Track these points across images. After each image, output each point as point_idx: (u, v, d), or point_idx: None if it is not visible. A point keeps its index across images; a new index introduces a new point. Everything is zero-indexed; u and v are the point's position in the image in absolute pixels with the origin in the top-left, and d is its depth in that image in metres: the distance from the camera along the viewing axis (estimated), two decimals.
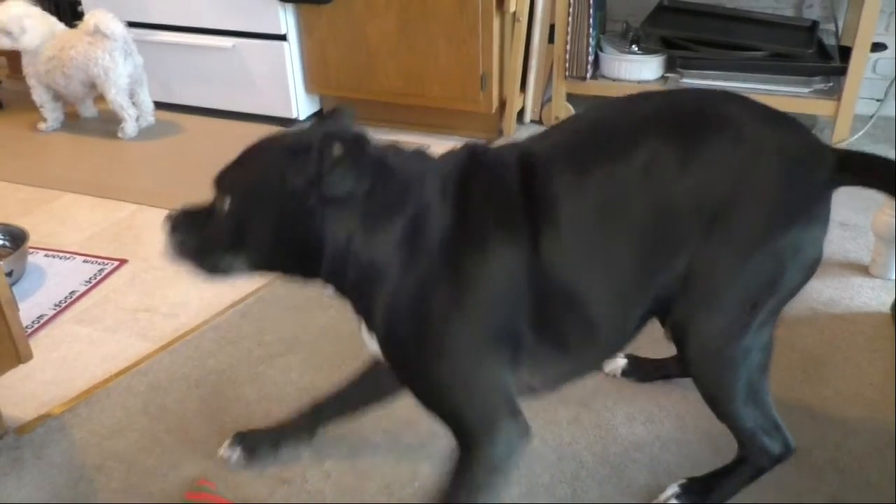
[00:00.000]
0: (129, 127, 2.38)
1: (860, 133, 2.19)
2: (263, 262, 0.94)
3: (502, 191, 0.92)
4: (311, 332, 1.46)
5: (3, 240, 1.73)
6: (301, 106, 2.43)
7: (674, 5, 2.37)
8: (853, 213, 1.80)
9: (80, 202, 2.03)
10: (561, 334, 0.93)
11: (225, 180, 0.93)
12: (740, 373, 0.95)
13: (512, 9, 2.22)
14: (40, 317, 1.56)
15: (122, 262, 1.75)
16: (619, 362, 1.32)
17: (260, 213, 0.90)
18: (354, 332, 1.26)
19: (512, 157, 0.94)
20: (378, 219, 0.89)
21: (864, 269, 1.60)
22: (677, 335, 0.95)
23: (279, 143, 0.92)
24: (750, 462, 1.03)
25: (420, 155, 0.96)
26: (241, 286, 1.62)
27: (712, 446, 1.15)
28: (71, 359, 1.43)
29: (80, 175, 2.17)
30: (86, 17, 2.30)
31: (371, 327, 0.95)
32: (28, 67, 2.39)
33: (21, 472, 1.17)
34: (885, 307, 1.47)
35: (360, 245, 0.89)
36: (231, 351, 1.41)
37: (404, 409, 1.15)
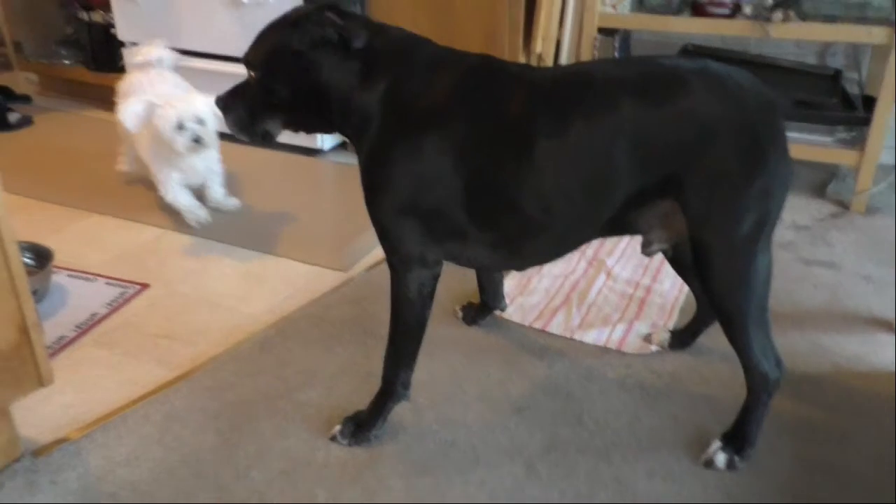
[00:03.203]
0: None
1: (883, 183, 2.18)
2: (293, 120, 1.21)
3: (488, 97, 1.10)
4: (331, 368, 1.46)
5: (29, 258, 1.75)
6: (326, 137, 2.46)
7: (698, 50, 2.39)
8: (876, 266, 1.78)
9: (105, 223, 2.05)
10: (498, 231, 1.14)
11: (250, 58, 1.17)
12: (753, 291, 1.11)
13: (538, 49, 2.25)
14: (61, 338, 1.57)
15: (145, 286, 1.76)
16: (664, 336, 1.51)
17: (280, 77, 1.14)
18: (373, 372, 1.28)
19: (513, 71, 1.12)
20: (370, 75, 1.12)
21: (889, 325, 1.59)
22: (700, 267, 1.12)
23: (284, 19, 1.15)
24: (755, 394, 1.19)
25: (424, 39, 1.16)
26: (262, 317, 1.63)
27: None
28: (90, 382, 1.43)
29: (106, 197, 2.19)
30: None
31: (360, 165, 1.17)
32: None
33: (36, 495, 1.17)
34: None
35: (357, 94, 1.12)
36: (249, 384, 1.41)
37: None
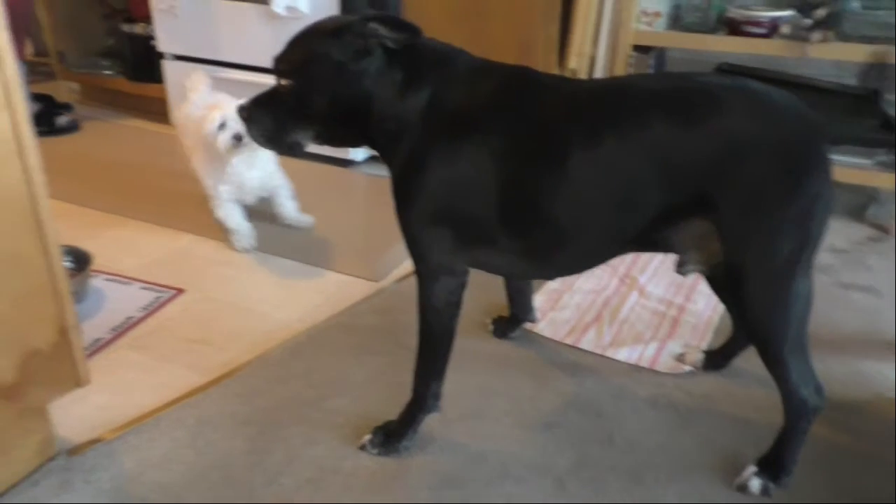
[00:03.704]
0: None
1: None
2: (325, 131, 1.17)
3: (525, 107, 1.10)
4: (360, 377, 1.46)
5: (69, 261, 1.78)
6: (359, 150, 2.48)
7: (733, 69, 2.37)
8: None
9: (142, 229, 2.09)
10: (528, 240, 1.13)
11: (283, 66, 1.14)
12: (791, 317, 1.08)
13: (572, 66, 2.25)
14: (97, 340, 1.59)
15: (179, 291, 1.78)
16: (697, 356, 1.49)
17: (317, 87, 1.12)
18: (403, 382, 1.28)
19: (549, 83, 1.13)
20: (412, 85, 1.11)
21: None
22: (735, 291, 1.10)
23: (322, 28, 1.13)
24: (793, 421, 1.16)
25: (460, 49, 1.17)
26: (293, 325, 1.64)
27: None
28: (124, 384, 1.45)
29: (144, 203, 2.23)
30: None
31: (391, 176, 1.17)
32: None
33: (70, 494, 1.18)
34: None
35: (399, 103, 1.11)
36: (280, 391, 1.42)
37: None
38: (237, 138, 1.84)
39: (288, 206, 2.06)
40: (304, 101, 1.13)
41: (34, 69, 3.11)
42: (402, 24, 1.09)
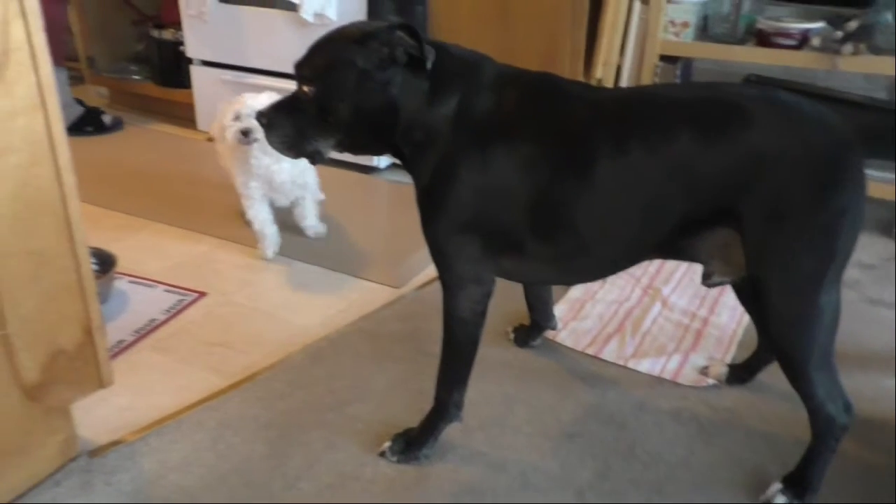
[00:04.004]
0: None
1: None
2: (347, 139, 1.14)
3: (553, 113, 1.09)
4: (382, 383, 1.46)
5: (94, 263, 1.80)
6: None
7: (761, 81, 2.35)
8: None
9: (166, 233, 2.10)
10: (554, 246, 1.12)
11: (306, 72, 1.12)
12: (816, 332, 1.06)
13: (598, 75, 2.24)
14: (120, 341, 1.60)
15: (202, 294, 1.79)
16: (721, 369, 1.47)
17: (340, 94, 1.09)
18: (424, 389, 1.28)
19: (575, 90, 1.12)
20: (439, 93, 1.10)
21: None
22: (758, 304, 1.09)
23: (346, 34, 1.11)
24: (820, 438, 1.14)
25: (484, 56, 1.16)
26: (314, 330, 1.64)
27: None
28: (146, 386, 1.46)
29: (168, 207, 2.25)
30: None
31: (417, 185, 1.16)
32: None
33: (91, 495, 1.19)
34: None
35: (427, 111, 1.10)
36: (301, 395, 1.42)
37: None
38: (244, 133, 1.80)
39: (308, 209, 2.03)
40: (325, 109, 1.11)
41: None
42: (424, 39, 1.08)
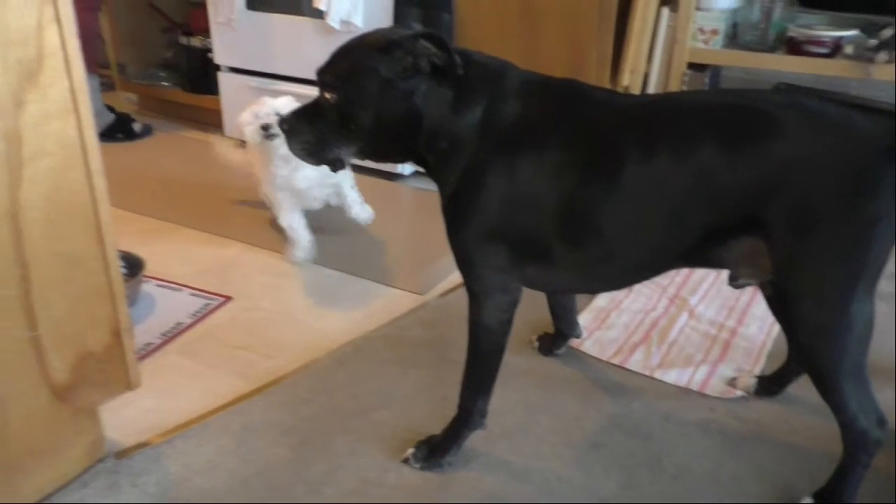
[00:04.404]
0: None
1: None
2: (369, 147, 1.14)
3: (580, 119, 1.08)
4: (405, 389, 1.46)
5: (123, 266, 1.82)
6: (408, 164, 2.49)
7: (792, 88, 2.32)
8: None
9: (193, 237, 2.12)
10: (581, 253, 1.11)
11: (328, 78, 1.11)
12: (846, 344, 1.03)
13: (625, 83, 2.23)
14: (147, 344, 1.62)
15: (227, 298, 1.81)
16: (750, 381, 1.45)
17: (362, 102, 1.08)
18: (448, 396, 1.27)
19: (601, 97, 1.11)
20: (465, 101, 1.09)
21: None
22: (786, 314, 1.09)
23: (369, 42, 1.10)
24: (853, 453, 1.11)
25: (508, 63, 1.14)
26: (337, 336, 1.65)
27: None
28: (172, 389, 1.47)
29: (196, 212, 2.27)
30: None
31: (442, 193, 1.15)
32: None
33: (118, 497, 1.20)
34: None
35: (451, 119, 1.09)
36: (324, 401, 1.42)
37: None
38: (265, 128, 1.81)
39: (349, 198, 2.01)
40: (347, 116, 1.10)
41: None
42: (449, 47, 1.07)
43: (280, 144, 1.78)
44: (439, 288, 1.86)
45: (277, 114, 1.81)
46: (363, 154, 1.16)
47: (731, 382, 1.48)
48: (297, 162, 1.82)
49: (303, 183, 1.91)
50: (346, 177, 2.00)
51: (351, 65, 1.10)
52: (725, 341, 1.62)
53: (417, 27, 1.16)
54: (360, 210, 2.05)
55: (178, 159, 2.72)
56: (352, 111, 1.10)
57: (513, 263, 1.14)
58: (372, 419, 1.37)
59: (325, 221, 2.16)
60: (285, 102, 1.87)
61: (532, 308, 1.49)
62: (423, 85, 1.08)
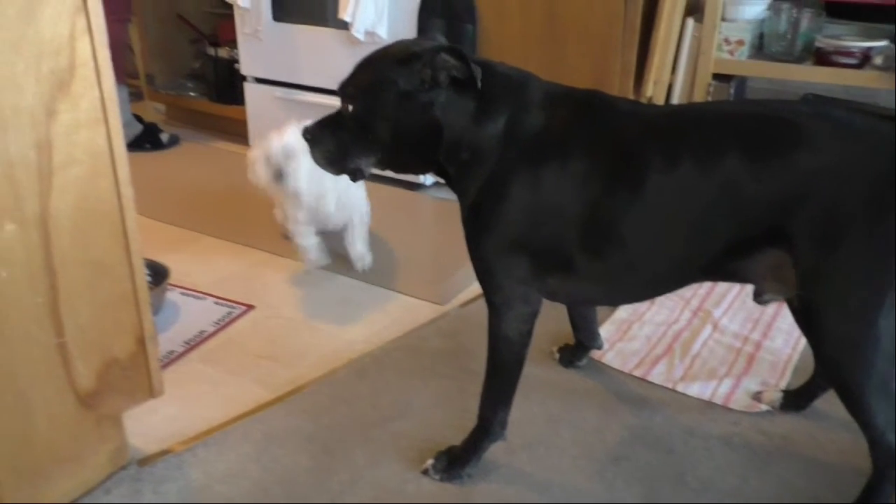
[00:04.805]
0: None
1: None
2: (388, 158, 1.15)
3: (603, 129, 1.08)
4: (425, 400, 1.46)
5: (148, 275, 1.84)
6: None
7: (819, 99, 2.29)
8: None
9: (217, 246, 2.15)
10: (603, 265, 1.10)
11: (349, 90, 1.12)
12: (873, 359, 1.01)
13: (649, 93, 2.22)
14: (171, 352, 1.63)
15: (250, 307, 1.82)
16: (775, 395, 1.43)
17: (381, 113, 1.09)
18: (468, 407, 1.27)
19: (624, 107, 1.11)
20: (487, 112, 1.09)
21: None
22: (812, 330, 1.07)
23: (390, 54, 1.11)
24: (882, 469, 1.09)
25: (531, 73, 1.14)
26: (359, 345, 1.65)
27: None
28: (194, 397, 1.48)
29: (220, 221, 2.30)
30: None
31: (462, 204, 1.15)
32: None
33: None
34: None
35: (473, 131, 1.09)
36: (345, 410, 1.43)
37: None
38: (278, 176, 1.73)
39: (357, 235, 1.93)
40: (367, 127, 1.11)
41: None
42: (469, 60, 1.06)
43: (291, 184, 1.75)
44: (460, 298, 1.86)
45: (288, 153, 1.73)
46: (383, 164, 1.17)
47: (756, 396, 1.45)
48: (318, 189, 1.80)
49: (325, 209, 1.85)
50: (361, 208, 1.93)
51: (371, 76, 1.10)
52: (750, 354, 1.60)
53: (441, 39, 1.17)
54: (362, 253, 1.96)
55: (204, 169, 2.76)
56: (371, 122, 1.10)
57: (534, 274, 1.13)
58: (392, 429, 1.37)
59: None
60: (293, 137, 1.75)
61: (553, 319, 1.48)
62: (443, 97, 1.08)
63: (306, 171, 1.73)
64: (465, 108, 1.09)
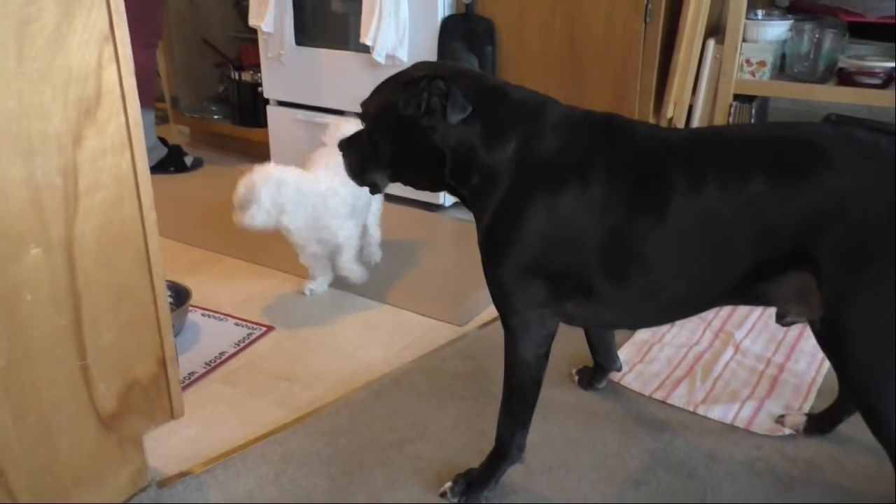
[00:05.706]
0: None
1: None
2: (399, 175, 1.21)
3: (623, 153, 1.08)
4: (443, 422, 1.45)
5: (170, 296, 1.86)
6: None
7: (843, 121, 2.27)
8: None
9: (238, 267, 2.17)
10: (623, 290, 1.10)
11: (363, 109, 1.19)
12: None
13: (669, 115, 2.22)
14: (191, 373, 1.65)
15: (269, 328, 1.83)
16: (799, 419, 1.41)
17: (384, 134, 1.15)
18: (486, 430, 1.26)
19: (643, 130, 1.11)
20: (496, 136, 1.10)
21: None
22: (837, 354, 1.06)
23: (401, 77, 1.15)
24: None
25: (547, 97, 1.15)
26: (378, 366, 1.65)
27: None
28: (214, 418, 1.49)
29: (240, 243, 2.31)
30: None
31: (478, 226, 1.16)
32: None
33: None
34: None
35: (481, 155, 1.11)
36: (363, 432, 1.43)
37: None
38: (268, 214, 1.81)
39: (346, 256, 1.96)
40: (376, 146, 1.18)
41: None
42: (460, 100, 1.08)
43: (289, 222, 1.85)
44: (478, 319, 1.86)
45: (249, 190, 1.81)
46: (394, 180, 1.23)
47: (780, 420, 1.43)
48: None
49: (323, 225, 1.89)
50: (345, 234, 1.93)
51: (379, 99, 1.17)
52: (773, 377, 1.58)
53: (473, 61, 1.20)
54: (350, 267, 1.97)
55: (227, 191, 2.76)
56: (378, 141, 1.18)
57: (552, 299, 1.13)
58: (409, 452, 1.37)
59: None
60: (294, 175, 1.84)
61: (571, 341, 1.48)
62: (442, 122, 1.10)
63: (266, 205, 1.81)
64: (470, 132, 1.11)
